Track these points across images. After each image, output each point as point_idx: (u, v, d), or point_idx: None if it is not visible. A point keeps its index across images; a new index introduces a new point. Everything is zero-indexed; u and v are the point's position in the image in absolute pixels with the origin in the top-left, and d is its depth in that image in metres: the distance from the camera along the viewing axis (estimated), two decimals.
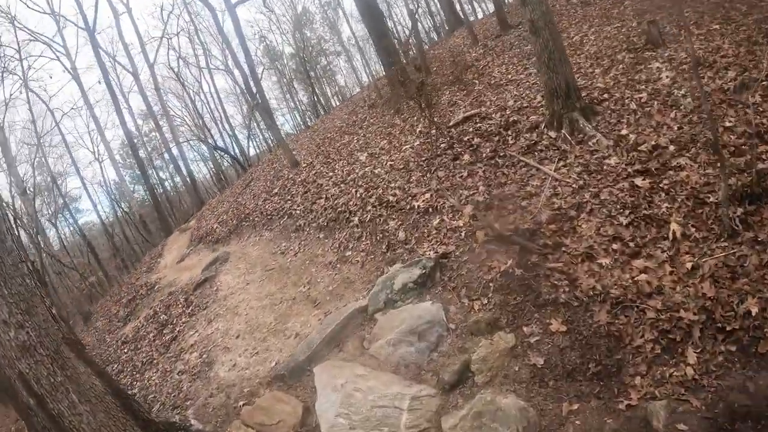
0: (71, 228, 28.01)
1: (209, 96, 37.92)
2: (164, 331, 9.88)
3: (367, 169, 10.51)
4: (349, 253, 8.28)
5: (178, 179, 34.59)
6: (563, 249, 5.61)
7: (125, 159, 37.06)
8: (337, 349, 6.09)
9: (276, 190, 13.86)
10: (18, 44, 23.35)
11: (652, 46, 9.26)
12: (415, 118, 12.24)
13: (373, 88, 19.49)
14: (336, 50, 45.09)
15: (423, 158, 9.34)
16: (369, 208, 8.76)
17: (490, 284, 5.73)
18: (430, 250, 6.72)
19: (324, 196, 10.72)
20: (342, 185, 10.60)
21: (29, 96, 24.39)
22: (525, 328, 5.02)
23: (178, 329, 9.55)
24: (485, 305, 5.58)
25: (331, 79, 47.61)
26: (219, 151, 29.03)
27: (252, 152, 38.93)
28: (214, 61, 35.61)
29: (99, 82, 25.78)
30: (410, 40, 19.14)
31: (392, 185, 8.97)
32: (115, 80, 31.51)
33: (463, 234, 6.67)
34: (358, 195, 9.50)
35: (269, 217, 12.33)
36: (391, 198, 8.47)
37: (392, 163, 10.04)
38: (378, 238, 7.95)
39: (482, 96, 10.90)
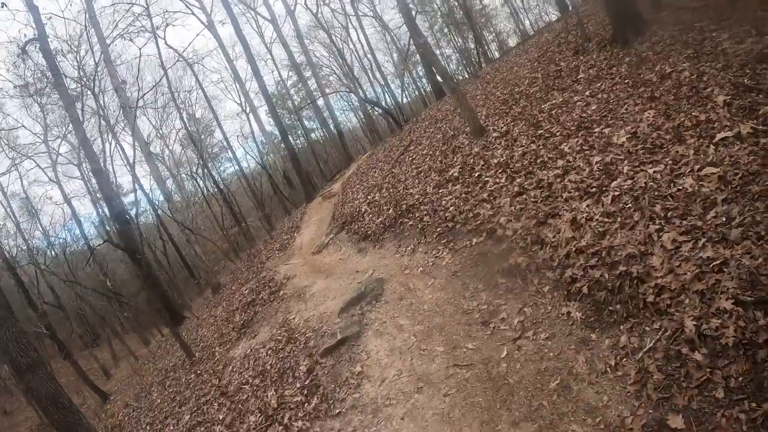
0: (207, 182, 25.72)
1: (358, 44, 33.53)
2: (271, 429, 5.36)
3: (658, 177, 4.90)
4: None
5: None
6: None
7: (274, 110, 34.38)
8: None
9: (454, 173, 8.61)
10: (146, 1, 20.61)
11: None
12: (692, 74, 6.39)
13: (573, 24, 12.86)
14: None
15: None
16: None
17: None
18: None
19: (567, 216, 5.28)
20: (611, 204, 5.06)
21: (161, 52, 21.58)
22: None
23: None
24: None
25: (488, 24, 40.32)
26: (369, 104, 24.43)
27: (404, 102, 34.12)
28: (361, 7, 30.75)
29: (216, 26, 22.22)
30: None
31: None
32: (257, 31, 28.28)
33: None
34: (682, 264, 3.93)
35: (449, 224, 7.22)
36: None
37: (737, 173, 4.28)
38: None
39: None
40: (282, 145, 31.17)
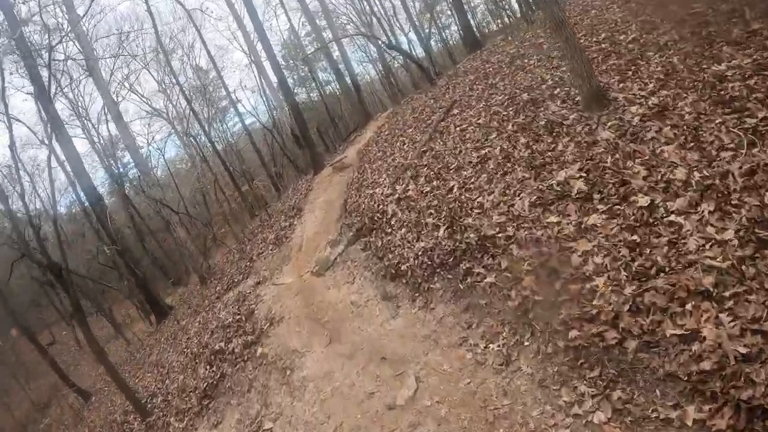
0: (207, 139, 20.97)
1: None
2: None
3: None
4: None
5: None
6: None
7: (287, 60, 29.16)
8: None
9: (573, 179, 4.13)
10: None
11: None
12: None
13: None
14: None
15: None
16: None
17: None
18: None
19: None
20: None
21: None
22: None
23: None
24: None
25: None
26: (393, 52, 19.27)
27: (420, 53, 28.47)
28: None
29: None
30: None
31: None
32: None
33: None
34: None
35: (608, 338, 2.86)
36: None
37: None
38: None
39: None
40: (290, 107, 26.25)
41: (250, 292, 7.92)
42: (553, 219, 3.83)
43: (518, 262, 3.72)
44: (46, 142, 17.11)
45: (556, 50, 8.12)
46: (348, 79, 19.60)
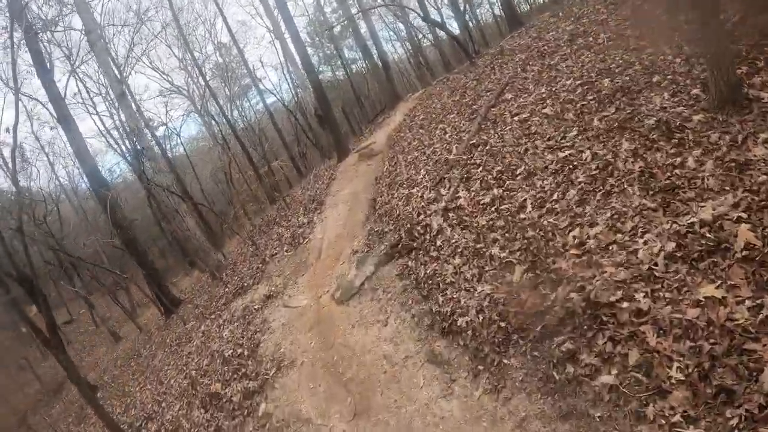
0: (228, 119, 19.54)
1: None
2: None
3: None
4: None
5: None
6: None
7: (312, 37, 27.35)
8: None
9: (720, 220, 2.55)
10: None
11: None
12: None
13: None
14: None
15: None
16: None
17: None
18: None
19: None
20: None
21: None
22: None
23: None
24: None
25: None
26: (429, 25, 17.29)
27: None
28: None
29: None
30: None
31: None
32: None
33: None
34: None
35: None
36: None
37: None
38: None
39: None
40: (320, 76, 24.53)
41: (258, 309, 6.55)
42: (711, 291, 2.26)
43: (660, 363, 2.18)
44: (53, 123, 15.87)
45: (629, 28, 6.45)
46: (376, 57, 17.82)
